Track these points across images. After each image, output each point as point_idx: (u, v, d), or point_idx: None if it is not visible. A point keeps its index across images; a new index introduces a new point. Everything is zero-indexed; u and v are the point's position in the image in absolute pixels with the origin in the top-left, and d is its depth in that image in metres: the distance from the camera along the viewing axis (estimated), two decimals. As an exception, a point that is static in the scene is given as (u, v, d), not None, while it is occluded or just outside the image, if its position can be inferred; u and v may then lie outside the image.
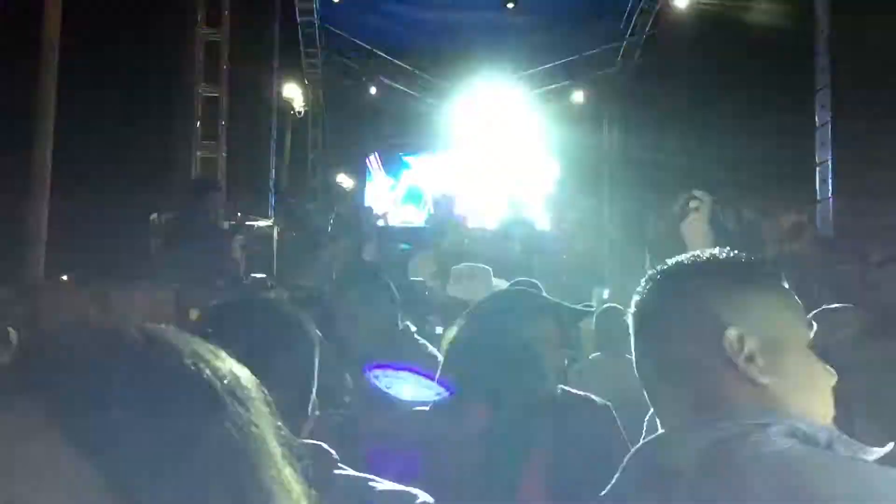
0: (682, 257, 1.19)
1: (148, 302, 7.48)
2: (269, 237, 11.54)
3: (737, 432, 0.96)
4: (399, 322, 2.80)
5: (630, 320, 1.20)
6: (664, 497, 0.94)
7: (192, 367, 0.67)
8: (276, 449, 0.70)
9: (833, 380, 1.11)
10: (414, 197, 18.12)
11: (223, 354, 0.72)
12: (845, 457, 0.95)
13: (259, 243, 11.50)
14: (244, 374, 0.73)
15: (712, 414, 1.02)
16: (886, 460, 0.96)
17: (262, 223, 11.09)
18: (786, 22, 12.57)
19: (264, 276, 10.34)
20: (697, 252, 1.17)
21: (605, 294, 11.74)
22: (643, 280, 1.18)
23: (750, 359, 1.05)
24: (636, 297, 1.17)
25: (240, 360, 0.75)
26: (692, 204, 10.44)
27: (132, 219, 10.13)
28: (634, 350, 1.16)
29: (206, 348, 0.71)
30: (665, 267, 1.18)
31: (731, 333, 1.06)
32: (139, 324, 0.70)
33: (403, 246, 13.50)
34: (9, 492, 0.58)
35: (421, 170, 18.49)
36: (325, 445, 1.33)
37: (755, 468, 0.89)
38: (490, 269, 4.59)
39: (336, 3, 14.28)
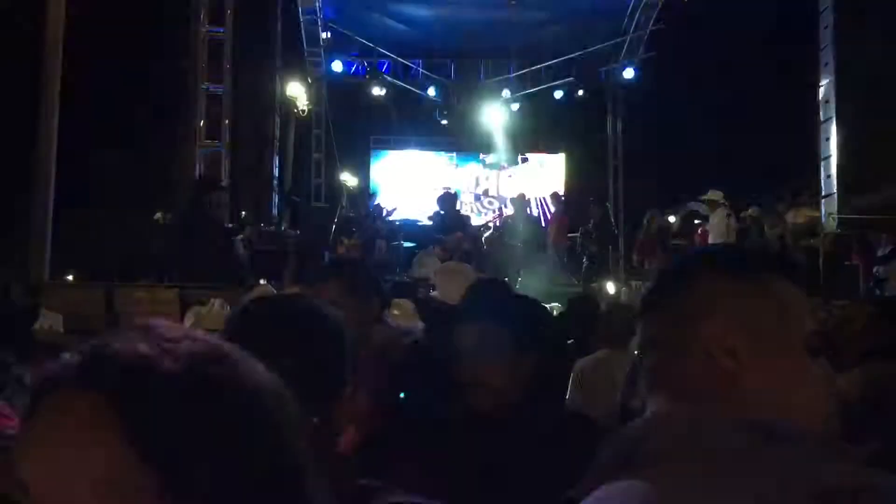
0: (692, 249, 1.19)
1: (151, 300, 7.50)
2: (274, 236, 11.56)
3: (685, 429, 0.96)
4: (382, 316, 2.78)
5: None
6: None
7: (246, 381, 0.70)
8: (304, 458, 0.73)
9: (830, 381, 1.09)
10: (418, 194, 18.14)
11: (254, 363, 0.75)
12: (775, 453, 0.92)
13: (263, 242, 11.53)
14: (276, 382, 0.75)
15: (688, 404, 1.03)
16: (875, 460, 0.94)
17: (266, 223, 11.09)
18: (789, 17, 12.55)
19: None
20: (709, 245, 1.17)
21: (611, 289, 11.76)
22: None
23: (731, 353, 1.03)
24: (644, 287, 1.20)
25: (271, 358, 0.77)
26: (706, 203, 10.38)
27: (136, 217, 10.15)
28: (637, 338, 1.17)
29: (253, 361, 0.73)
30: (675, 257, 1.19)
31: (713, 326, 1.04)
32: (198, 334, 0.72)
33: (408, 243, 13.51)
34: (65, 482, 0.61)
35: (424, 167, 18.49)
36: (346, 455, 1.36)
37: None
38: (471, 269, 4.53)
39: (339, 2, 14.28)
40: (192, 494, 0.63)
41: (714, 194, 11.50)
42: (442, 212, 12.40)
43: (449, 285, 3.89)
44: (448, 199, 12.45)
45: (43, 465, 0.63)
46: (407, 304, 4.52)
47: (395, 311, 4.36)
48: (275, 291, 3.41)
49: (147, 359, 0.66)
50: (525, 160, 17.65)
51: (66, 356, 0.67)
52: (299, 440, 0.73)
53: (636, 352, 1.97)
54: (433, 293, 4.24)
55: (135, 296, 7.67)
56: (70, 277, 16.76)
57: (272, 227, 11.49)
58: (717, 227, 11.17)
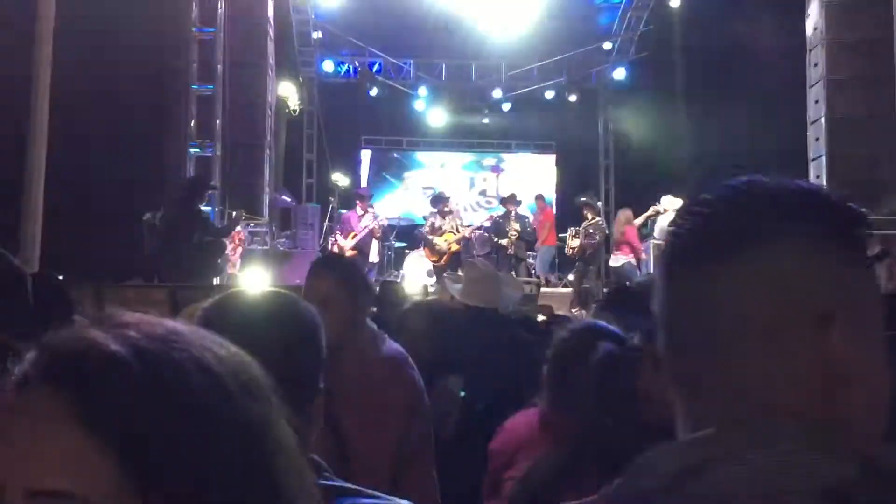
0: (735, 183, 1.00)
1: (142, 300, 7.48)
2: (265, 236, 11.56)
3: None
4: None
5: None
6: None
7: (203, 360, 0.69)
8: (288, 439, 0.73)
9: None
10: (411, 194, 18.16)
11: (231, 346, 0.75)
12: None
13: (253, 242, 11.52)
14: (252, 364, 0.75)
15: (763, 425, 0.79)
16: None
17: (257, 222, 11.09)
18: (779, 19, 12.61)
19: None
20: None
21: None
22: None
23: (841, 348, 0.90)
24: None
25: (247, 349, 0.77)
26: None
27: (126, 217, 10.12)
28: None
29: (213, 340, 0.73)
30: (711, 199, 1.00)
31: (814, 304, 0.82)
32: (154, 318, 0.72)
33: (399, 243, 13.54)
34: (31, 476, 0.62)
35: (416, 167, 18.52)
36: (315, 457, 1.35)
37: None
38: (499, 274, 4.51)
39: (331, 2, 14.29)
40: (161, 483, 0.63)
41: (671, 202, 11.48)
42: (434, 212, 12.41)
43: (477, 286, 3.89)
44: (439, 200, 12.46)
45: (10, 465, 0.64)
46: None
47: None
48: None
49: (98, 346, 0.66)
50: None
51: (28, 354, 0.68)
52: (271, 423, 0.72)
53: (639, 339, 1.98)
54: (453, 289, 4.19)
55: (125, 295, 7.65)
56: (60, 278, 16.76)
57: (263, 227, 11.49)
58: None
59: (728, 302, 0.78)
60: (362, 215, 11.91)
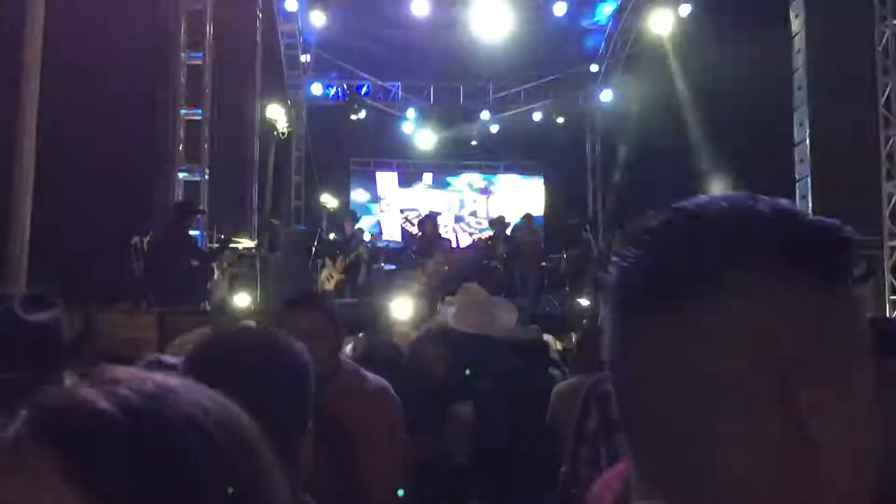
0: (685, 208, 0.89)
1: (131, 325, 7.45)
2: (254, 258, 11.52)
3: None
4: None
5: None
6: None
7: (193, 416, 0.69)
8: (279, 494, 0.73)
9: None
10: (397, 217, 18.19)
11: (222, 399, 0.75)
12: None
13: (243, 265, 11.48)
14: (243, 417, 0.75)
15: None
16: None
17: (246, 245, 11.06)
18: (764, 41, 12.73)
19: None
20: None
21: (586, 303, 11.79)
22: None
23: (813, 403, 0.76)
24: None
25: (234, 395, 0.77)
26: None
27: (114, 241, 10.09)
28: None
29: (204, 394, 0.73)
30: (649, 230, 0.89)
31: (780, 352, 0.74)
32: (146, 374, 0.72)
33: (388, 266, 13.51)
34: None
35: (405, 190, 18.55)
36: (307, 499, 1.35)
37: None
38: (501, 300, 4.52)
39: (319, 25, 14.36)
40: None
41: None
42: (421, 234, 12.43)
43: (469, 312, 3.90)
44: (428, 222, 12.48)
45: None
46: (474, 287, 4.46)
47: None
48: (253, 324, 3.43)
49: (87, 404, 0.66)
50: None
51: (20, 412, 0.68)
52: (262, 477, 0.71)
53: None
54: (447, 316, 4.22)
55: (113, 320, 7.62)
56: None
57: (251, 251, 11.45)
58: None
59: (678, 355, 0.67)
60: (350, 238, 11.88)
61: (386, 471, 2.60)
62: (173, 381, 0.74)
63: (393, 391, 2.79)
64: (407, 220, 12.80)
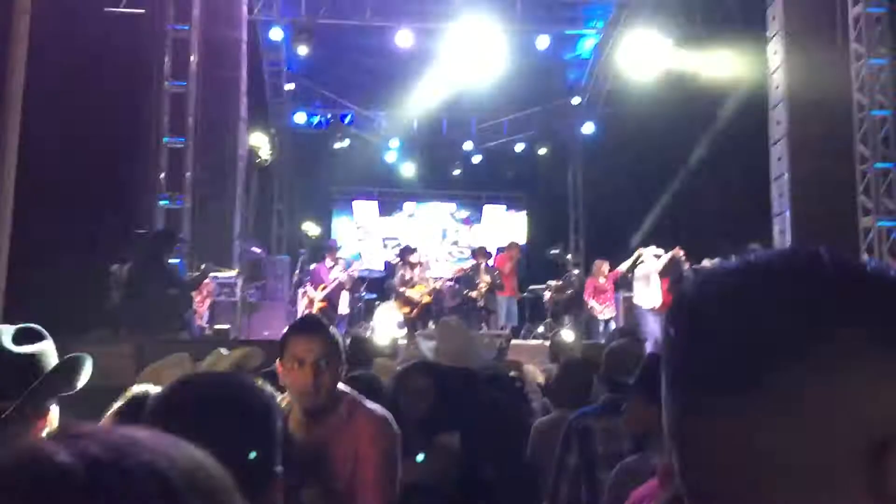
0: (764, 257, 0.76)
1: (108, 354, 7.36)
2: (234, 287, 11.46)
3: None
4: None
5: None
6: None
7: (156, 464, 0.68)
8: None
9: None
10: (379, 246, 18.19)
11: (187, 446, 0.74)
12: None
13: (223, 293, 11.42)
14: (208, 463, 0.74)
15: None
16: None
17: (226, 274, 11.01)
18: (743, 76, 12.93)
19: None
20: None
21: (569, 338, 11.78)
22: None
23: None
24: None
25: (200, 440, 0.76)
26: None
27: (94, 268, 10.01)
28: None
29: (169, 443, 0.73)
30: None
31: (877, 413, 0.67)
32: (112, 427, 0.72)
33: (368, 295, 13.50)
34: None
35: (386, 219, 18.58)
36: None
37: None
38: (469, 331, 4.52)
39: (303, 54, 14.44)
40: None
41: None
42: (401, 263, 12.43)
43: (450, 346, 3.90)
44: (407, 252, 12.48)
45: None
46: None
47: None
48: (228, 354, 3.40)
49: (46, 457, 0.66)
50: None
51: None
52: None
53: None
54: (426, 348, 4.22)
55: (88, 349, 7.53)
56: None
57: (231, 279, 11.40)
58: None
59: (749, 442, 0.61)
60: (332, 267, 11.88)
61: (381, 497, 2.61)
62: (139, 432, 0.73)
63: (393, 420, 2.79)
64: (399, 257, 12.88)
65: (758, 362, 0.60)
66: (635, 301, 11.52)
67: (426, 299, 11.82)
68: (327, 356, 2.57)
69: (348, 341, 9.26)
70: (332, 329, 2.76)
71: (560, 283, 12.56)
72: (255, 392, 1.42)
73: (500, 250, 13.49)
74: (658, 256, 11.40)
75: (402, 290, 11.81)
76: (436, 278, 12.59)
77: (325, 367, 2.55)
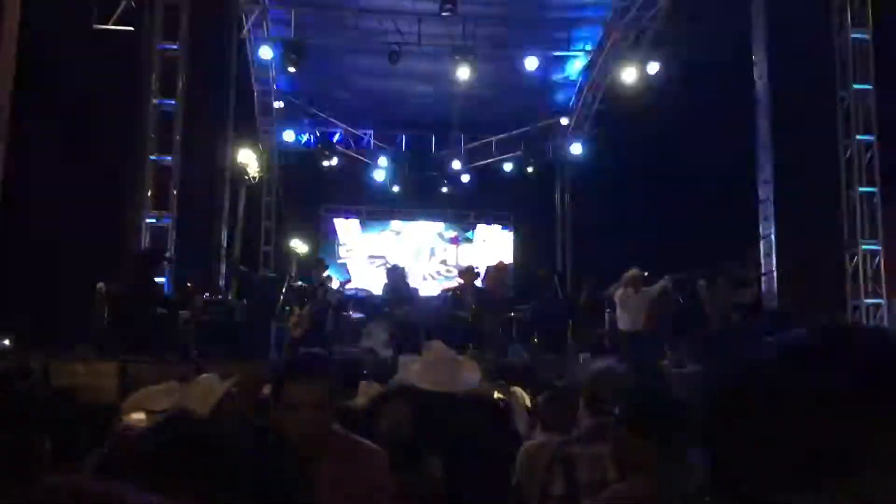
0: None
1: (89, 373, 7.32)
2: (222, 305, 11.41)
3: None
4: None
5: None
6: None
7: None
8: None
9: None
10: (366, 265, 18.17)
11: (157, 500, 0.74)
12: None
13: (209, 313, 11.36)
14: None
15: None
16: None
17: (213, 293, 10.97)
18: (730, 101, 13.05)
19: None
20: None
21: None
22: None
23: None
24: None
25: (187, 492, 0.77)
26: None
27: (80, 285, 9.96)
28: None
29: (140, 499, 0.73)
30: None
31: None
32: (89, 482, 0.72)
33: (356, 314, 13.45)
34: None
35: (374, 238, 18.57)
36: None
37: None
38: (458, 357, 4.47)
39: (292, 73, 14.48)
40: None
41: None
42: (389, 284, 12.41)
43: (433, 371, 3.86)
44: (395, 272, 12.47)
45: None
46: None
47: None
48: (219, 383, 3.37)
49: None
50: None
51: None
52: None
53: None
54: (408, 372, 4.18)
55: (72, 368, 7.48)
56: (7, 342, 16.32)
57: (219, 297, 11.36)
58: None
59: None
60: (319, 286, 11.84)
61: None
62: (116, 490, 0.73)
63: (385, 456, 2.72)
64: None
65: (833, 462, 0.59)
66: (620, 325, 11.55)
67: (412, 318, 11.78)
68: (320, 400, 2.43)
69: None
70: (326, 369, 2.62)
71: (545, 302, 12.58)
72: (225, 443, 1.40)
73: (488, 269, 13.48)
74: (641, 279, 11.40)
75: (390, 309, 11.79)
76: (425, 297, 12.59)
77: (317, 411, 2.42)
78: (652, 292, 11.32)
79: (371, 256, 18.24)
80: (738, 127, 12.38)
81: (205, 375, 3.92)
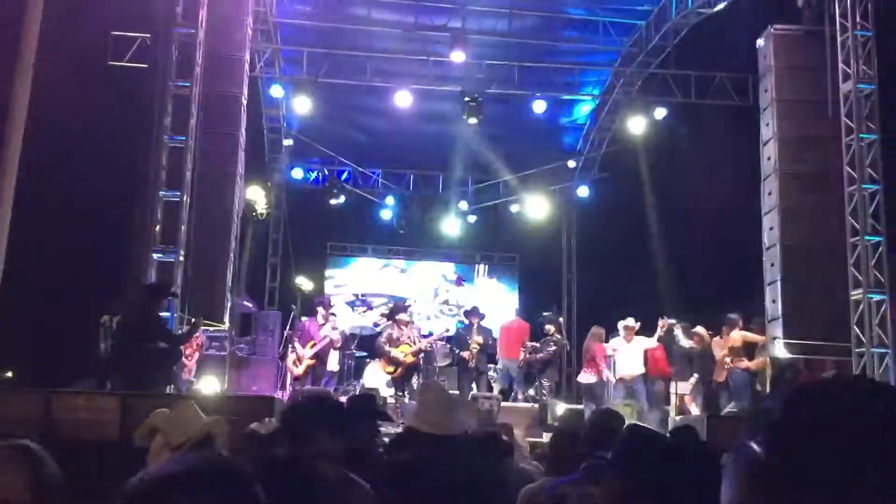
0: None
1: (91, 408, 7.29)
2: (223, 341, 11.42)
3: None
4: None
5: None
6: None
7: None
8: None
9: None
10: (370, 303, 18.17)
11: None
12: None
13: (212, 347, 11.36)
14: None
15: None
16: None
17: (217, 327, 10.97)
18: (735, 147, 13.13)
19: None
20: None
21: (560, 410, 11.72)
22: None
23: None
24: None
25: None
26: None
27: (84, 318, 9.97)
28: None
29: None
30: None
31: None
32: None
33: (359, 353, 13.42)
34: None
35: (380, 275, 18.59)
36: None
37: None
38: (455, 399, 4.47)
39: (303, 112, 14.64)
40: None
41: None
42: (390, 322, 12.41)
43: (430, 412, 3.83)
44: (398, 311, 12.47)
45: None
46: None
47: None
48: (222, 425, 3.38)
49: None
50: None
51: None
52: None
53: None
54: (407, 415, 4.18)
55: (74, 402, 7.45)
56: (10, 374, 16.32)
57: (222, 333, 11.36)
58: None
59: None
60: (322, 324, 11.82)
61: None
62: None
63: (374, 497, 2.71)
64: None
65: None
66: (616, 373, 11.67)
67: (410, 359, 11.75)
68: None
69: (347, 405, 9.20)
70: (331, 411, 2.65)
71: (537, 345, 12.55)
72: (240, 476, 1.40)
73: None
74: (631, 328, 11.59)
75: (387, 349, 11.74)
76: (423, 336, 12.55)
77: None
78: (646, 341, 11.49)
79: (370, 295, 18.20)
80: (745, 168, 12.43)
81: (184, 403, 3.92)
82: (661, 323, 11.64)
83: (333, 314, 12.45)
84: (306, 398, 9.62)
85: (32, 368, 12.49)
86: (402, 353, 11.69)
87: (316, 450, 2.66)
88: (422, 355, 11.95)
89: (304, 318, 12.52)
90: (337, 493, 2.62)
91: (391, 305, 14.03)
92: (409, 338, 11.85)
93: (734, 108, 14.04)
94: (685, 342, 11.60)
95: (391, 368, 11.69)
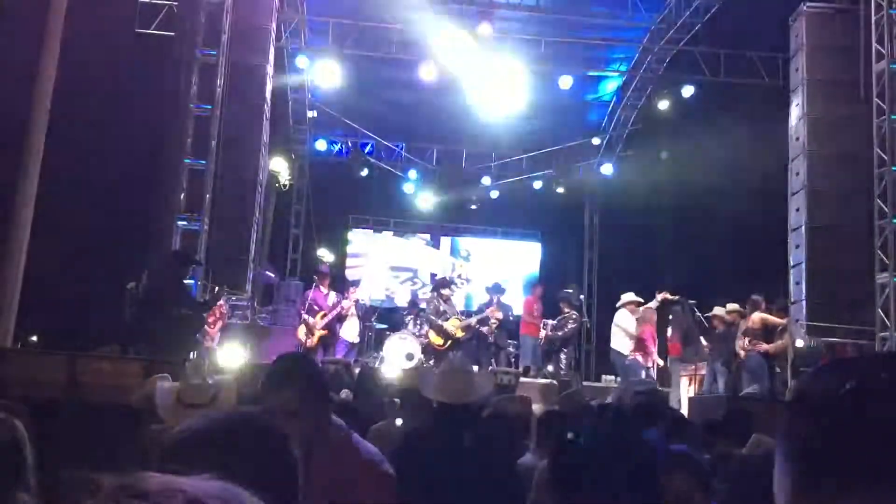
0: None
1: (114, 372, 7.39)
2: (245, 310, 11.50)
3: None
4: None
5: None
6: None
7: None
8: None
9: None
10: (395, 276, 18.22)
11: (227, 488, 0.77)
12: None
13: (234, 315, 11.46)
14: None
15: None
16: None
17: (239, 296, 11.05)
18: (762, 127, 12.97)
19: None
20: None
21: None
22: None
23: None
24: None
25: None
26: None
27: (109, 283, 10.09)
28: None
29: (210, 487, 0.75)
30: None
31: None
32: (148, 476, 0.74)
33: (379, 325, 13.48)
34: None
35: (402, 249, 18.63)
36: None
37: None
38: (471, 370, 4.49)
39: (327, 85, 14.61)
40: None
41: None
42: (435, 295, 12.55)
43: (449, 382, 3.86)
44: (443, 285, 12.66)
45: None
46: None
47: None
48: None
49: None
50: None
51: None
52: None
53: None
54: (424, 385, 4.21)
55: (98, 366, 7.55)
56: (35, 338, 16.56)
57: (244, 302, 11.44)
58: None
59: None
60: (326, 294, 11.71)
61: None
62: (180, 481, 0.76)
63: (386, 462, 2.69)
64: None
65: None
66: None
67: (460, 334, 11.92)
68: (301, 405, 2.45)
69: (357, 371, 9.26)
70: (308, 373, 2.65)
71: (555, 322, 12.54)
72: (267, 428, 1.43)
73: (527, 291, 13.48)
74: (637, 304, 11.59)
75: (438, 321, 11.88)
76: (460, 315, 12.66)
77: (300, 416, 2.42)
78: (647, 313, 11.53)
79: (396, 268, 18.27)
80: (772, 149, 12.29)
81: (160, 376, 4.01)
82: (659, 296, 11.68)
83: (354, 285, 12.45)
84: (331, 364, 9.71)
85: (58, 333, 12.69)
86: (452, 325, 11.86)
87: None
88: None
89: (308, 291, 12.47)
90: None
91: (438, 278, 14.12)
92: (453, 312, 12.07)
93: (763, 87, 13.86)
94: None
95: (440, 340, 11.82)
